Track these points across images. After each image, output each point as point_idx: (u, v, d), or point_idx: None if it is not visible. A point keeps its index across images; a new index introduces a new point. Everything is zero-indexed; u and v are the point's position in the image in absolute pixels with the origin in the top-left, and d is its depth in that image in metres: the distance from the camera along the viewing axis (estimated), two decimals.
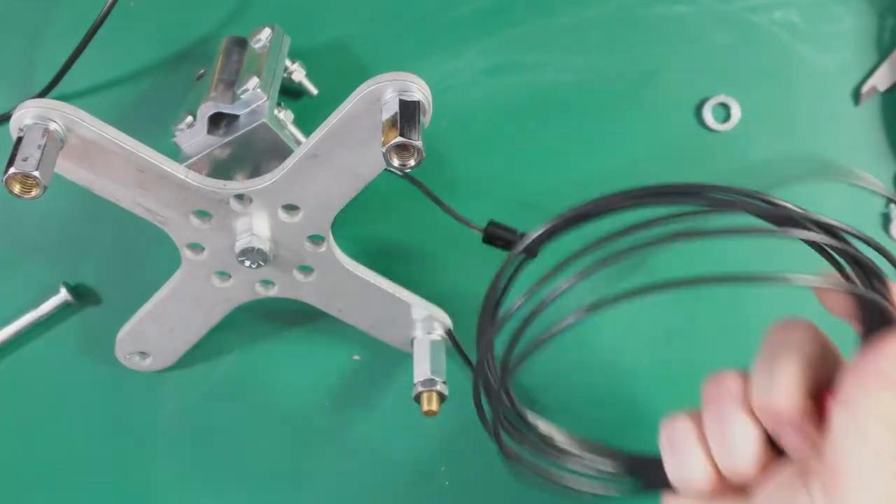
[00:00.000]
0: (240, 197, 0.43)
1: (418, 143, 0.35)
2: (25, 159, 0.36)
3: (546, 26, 0.53)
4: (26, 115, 0.38)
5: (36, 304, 0.52)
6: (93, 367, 0.53)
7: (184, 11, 0.52)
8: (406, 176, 0.48)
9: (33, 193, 0.37)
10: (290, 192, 0.42)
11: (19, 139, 0.37)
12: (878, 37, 0.53)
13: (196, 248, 0.45)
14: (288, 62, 0.50)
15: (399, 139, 0.35)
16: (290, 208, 0.43)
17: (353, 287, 0.48)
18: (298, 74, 0.51)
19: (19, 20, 0.52)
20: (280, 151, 0.47)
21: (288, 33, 0.51)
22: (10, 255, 0.52)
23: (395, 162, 0.36)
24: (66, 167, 0.40)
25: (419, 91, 0.37)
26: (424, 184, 0.48)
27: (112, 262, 0.53)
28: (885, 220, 0.53)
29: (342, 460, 0.54)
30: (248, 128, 0.46)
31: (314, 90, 0.52)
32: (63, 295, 0.52)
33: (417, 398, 0.48)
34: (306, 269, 0.47)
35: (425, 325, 0.50)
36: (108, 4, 0.48)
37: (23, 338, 0.52)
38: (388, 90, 0.37)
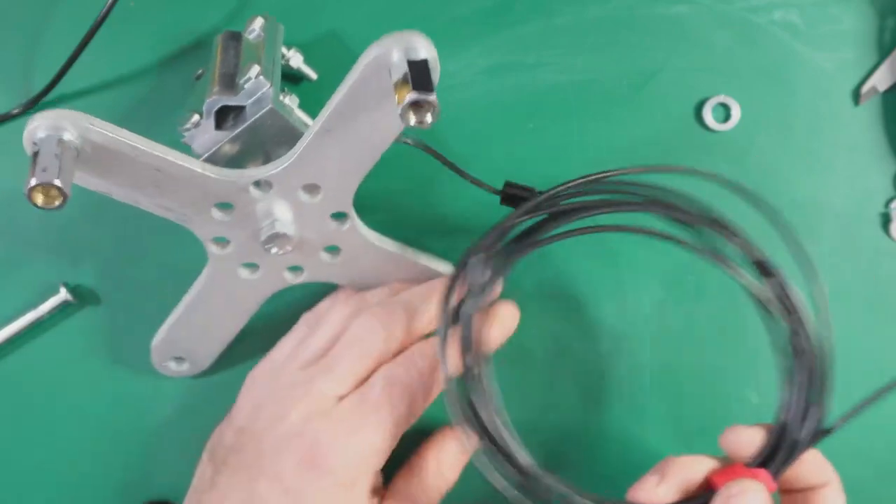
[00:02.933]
0: (258, 184, 0.43)
1: (433, 98, 0.35)
2: (45, 170, 0.36)
3: (546, 26, 0.53)
4: (38, 128, 0.38)
5: (36, 304, 0.52)
6: (92, 367, 0.53)
7: (184, 11, 0.52)
8: (418, 144, 0.48)
9: (56, 204, 0.37)
10: (307, 171, 0.42)
11: (35, 153, 0.37)
12: (878, 37, 0.53)
13: (221, 242, 0.45)
14: (284, 49, 0.50)
15: (414, 95, 0.35)
16: (310, 189, 0.43)
17: (382, 261, 0.48)
18: (296, 60, 0.51)
19: (19, 20, 0.52)
20: (290, 136, 0.46)
21: (287, 34, 0.51)
22: (10, 255, 0.52)
23: (413, 121, 0.36)
24: (83, 177, 0.41)
25: (425, 49, 0.36)
26: (441, 153, 0.48)
27: (112, 262, 0.53)
28: (885, 219, 0.53)
29: None
30: (256, 116, 0.46)
31: (314, 75, 0.51)
32: (63, 295, 0.52)
33: None
34: (333, 250, 0.47)
35: (446, 265, 0.50)
36: (108, 4, 0.48)
37: (23, 338, 0.52)
38: (394, 52, 0.36)
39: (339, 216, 0.45)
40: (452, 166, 0.47)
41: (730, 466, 0.42)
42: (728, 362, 0.54)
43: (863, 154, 0.53)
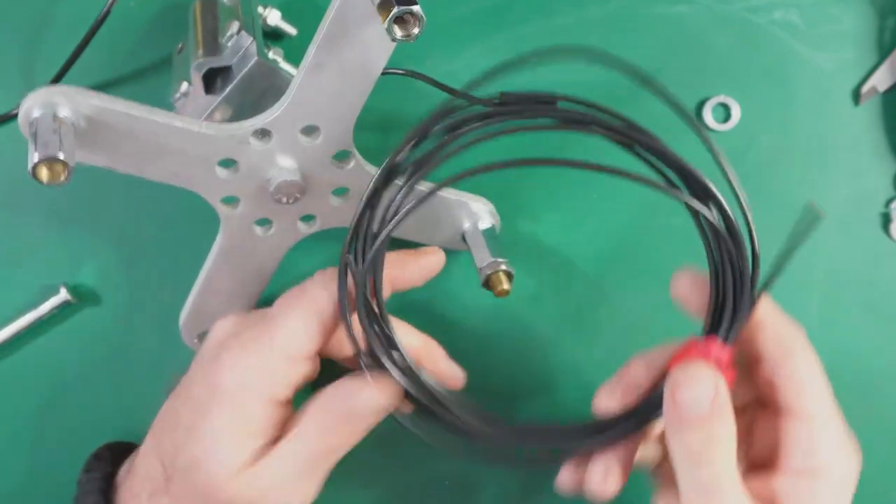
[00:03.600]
0: (258, 134, 0.43)
1: (417, 9, 0.35)
2: (46, 145, 0.37)
3: (546, 26, 0.53)
4: (32, 107, 0.38)
5: (36, 304, 0.52)
6: (93, 367, 0.53)
7: (184, 10, 0.52)
8: (408, 72, 0.48)
9: (62, 179, 0.37)
10: (303, 112, 0.42)
11: (33, 133, 0.37)
12: (878, 37, 0.53)
13: (231, 202, 0.45)
14: (260, 9, 0.50)
15: (397, 9, 0.35)
16: (309, 130, 0.43)
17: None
18: (274, 17, 0.51)
19: (19, 19, 0.52)
20: (280, 88, 0.46)
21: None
22: (10, 255, 0.52)
23: (399, 34, 0.36)
24: (83, 154, 0.40)
25: None
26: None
27: (112, 262, 0.53)
28: (885, 219, 0.53)
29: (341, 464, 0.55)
30: (244, 71, 0.46)
31: (293, 30, 0.51)
32: (63, 295, 0.52)
33: (487, 283, 0.48)
34: (342, 192, 0.47)
35: (470, 216, 0.50)
36: (108, 4, 0.48)
37: (23, 338, 0.52)
38: None
39: (342, 155, 0.45)
40: (445, 87, 0.47)
41: (683, 346, 0.39)
42: None
43: (863, 154, 0.53)
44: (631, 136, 0.40)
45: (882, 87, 0.52)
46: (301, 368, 0.42)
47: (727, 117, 0.53)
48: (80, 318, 0.53)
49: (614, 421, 0.41)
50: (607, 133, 0.40)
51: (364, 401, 0.41)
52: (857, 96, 0.53)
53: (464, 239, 0.50)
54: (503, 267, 0.48)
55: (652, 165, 0.40)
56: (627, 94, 0.53)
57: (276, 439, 0.42)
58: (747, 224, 0.39)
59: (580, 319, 0.54)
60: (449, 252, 0.52)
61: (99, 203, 0.52)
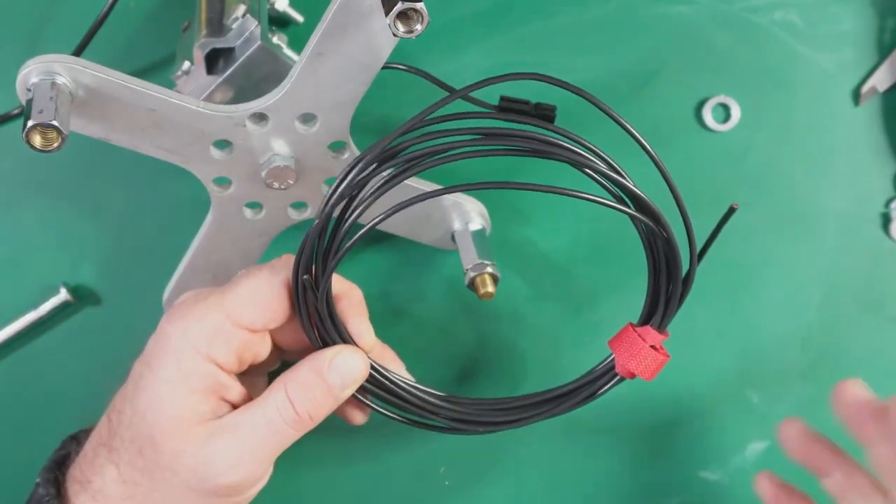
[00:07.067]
0: (255, 118, 0.43)
1: (420, 6, 0.35)
2: (41, 111, 0.37)
3: (546, 26, 0.53)
4: (31, 73, 0.38)
5: (36, 305, 0.52)
6: (92, 367, 0.53)
7: (183, 11, 0.52)
8: (411, 69, 0.48)
9: (55, 145, 0.37)
10: (302, 99, 0.42)
11: (29, 100, 0.37)
12: (878, 37, 0.53)
13: (222, 182, 0.45)
14: None
15: (401, 5, 0.35)
16: (307, 118, 0.43)
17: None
18: (282, 3, 0.51)
19: (19, 20, 0.52)
20: (281, 74, 0.46)
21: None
22: (10, 255, 0.52)
23: (401, 29, 0.36)
24: (79, 123, 0.41)
25: None
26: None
27: (112, 262, 0.53)
28: (885, 220, 0.53)
29: (342, 468, 0.55)
30: (246, 54, 0.46)
31: (300, 17, 0.51)
32: (63, 295, 0.52)
33: (471, 284, 0.48)
34: (334, 182, 0.47)
35: (462, 216, 0.50)
36: (108, 4, 0.48)
37: (23, 338, 0.52)
38: None
39: (338, 146, 0.45)
40: (444, 86, 0.47)
41: (622, 330, 0.44)
42: (727, 363, 0.54)
43: (863, 154, 0.53)
44: (582, 161, 0.42)
45: (882, 87, 0.52)
46: (244, 336, 0.42)
47: (727, 117, 0.53)
48: (80, 318, 0.53)
49: (565, 392, 0.46)
50: (567, 159, 0.42)
51: (338, 364, 0.42)
52: (857, 96, 0.53)
53: (453, 239, 0.50)
54: (489, 269, 0.48)
55: (603, 185, 0.42)
56: (627, 94, 0.53)
57: (231, 409, 0.42)
58: (687, 230, 0.40)
59: (575, 321, 0.54)
60: (442, 252, 0.53)
61: (99, 203, 0.52)
